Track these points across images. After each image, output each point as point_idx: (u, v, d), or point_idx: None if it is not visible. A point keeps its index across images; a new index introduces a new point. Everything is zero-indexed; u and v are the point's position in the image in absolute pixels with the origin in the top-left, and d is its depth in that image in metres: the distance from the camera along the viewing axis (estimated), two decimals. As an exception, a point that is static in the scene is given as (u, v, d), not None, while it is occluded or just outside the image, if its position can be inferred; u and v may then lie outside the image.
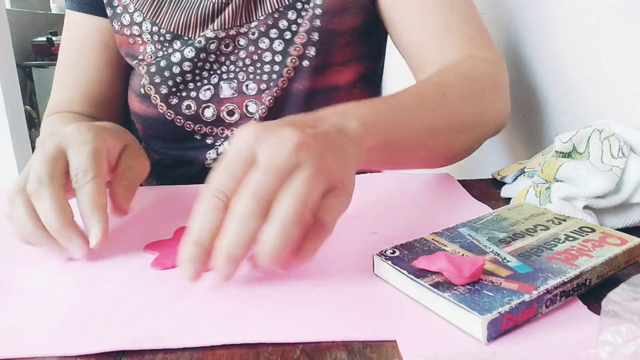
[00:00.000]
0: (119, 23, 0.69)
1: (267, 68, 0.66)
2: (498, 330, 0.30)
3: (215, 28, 0.65)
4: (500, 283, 0.32)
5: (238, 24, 0.65)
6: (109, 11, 0.70)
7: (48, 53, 3.93)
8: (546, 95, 0.72)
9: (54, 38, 3.91)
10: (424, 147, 0.51)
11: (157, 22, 0.67)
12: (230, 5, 0.64)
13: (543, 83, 0.72)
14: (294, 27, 0.65)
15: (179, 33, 0.66)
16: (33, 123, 3.46)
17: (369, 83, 0.73)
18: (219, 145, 0.69)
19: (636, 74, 0.53)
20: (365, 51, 0.70)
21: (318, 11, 0.64)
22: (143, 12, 0.67)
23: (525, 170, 0.54)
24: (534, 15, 0.74)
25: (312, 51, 0.65)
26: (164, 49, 0.67)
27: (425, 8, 0.62)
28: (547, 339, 0.30)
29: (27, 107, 3.22)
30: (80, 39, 0.73)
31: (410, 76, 0.67)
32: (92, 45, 0.73)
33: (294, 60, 0.65)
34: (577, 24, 0.63)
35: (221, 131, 0.69)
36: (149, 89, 0.68)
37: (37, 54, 3.99)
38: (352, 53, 0.68)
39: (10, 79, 1.93)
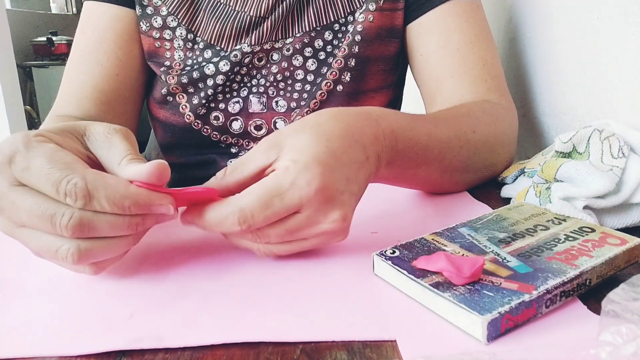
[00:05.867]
0: (147, 24, 0.66)
1: (298, 86, 0.67)
2: (498, 330, 0.30)
3: (252, 43, 0.64)
4: (500, 283, 0.32)
5: (273, 39, 0.65)
6: (137, 10, 0.66)
7: (48, 53, 3.93)
8: (546, 95, 0.72)
9: (54, 38, 3.92)
10: (430, 182, 0.52)
11: (192, 29, 0.66)
12: (268, 20, 0.64)
13: (543, 83, 0.72)
14: (328, 48, 0.66)
15: (212, 43, 0.66)
16: (33, 123, 3.46)
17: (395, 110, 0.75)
18: (242, 155, 0.69)
19: (636, 74, 0.53)
20: (394, 79, 0.71)
21: (357, 38, 0.65)
22: (178, 17, 0.65)
23: (525, 170, 0.54)
24: (534, 15, 0.74)
25: (347, 77, 0.66)
26: (195, 57, 0.66)
27: (448, 42, 0.63)
28: (547, 339, 0.30)
29: (27, 107, 3.22)
30: (100, 28, 0.66)
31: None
32: (113, 35, 0.66)
33: (328, 84, 0.66)
34: (577, 23, 0.63)
35: (247, 143, 0.69)
36: (179, 97, 0.67)
37: (37, 54, 3.99)
38: (385, 80, 0.69)
39: (10, 79, 1.93)
